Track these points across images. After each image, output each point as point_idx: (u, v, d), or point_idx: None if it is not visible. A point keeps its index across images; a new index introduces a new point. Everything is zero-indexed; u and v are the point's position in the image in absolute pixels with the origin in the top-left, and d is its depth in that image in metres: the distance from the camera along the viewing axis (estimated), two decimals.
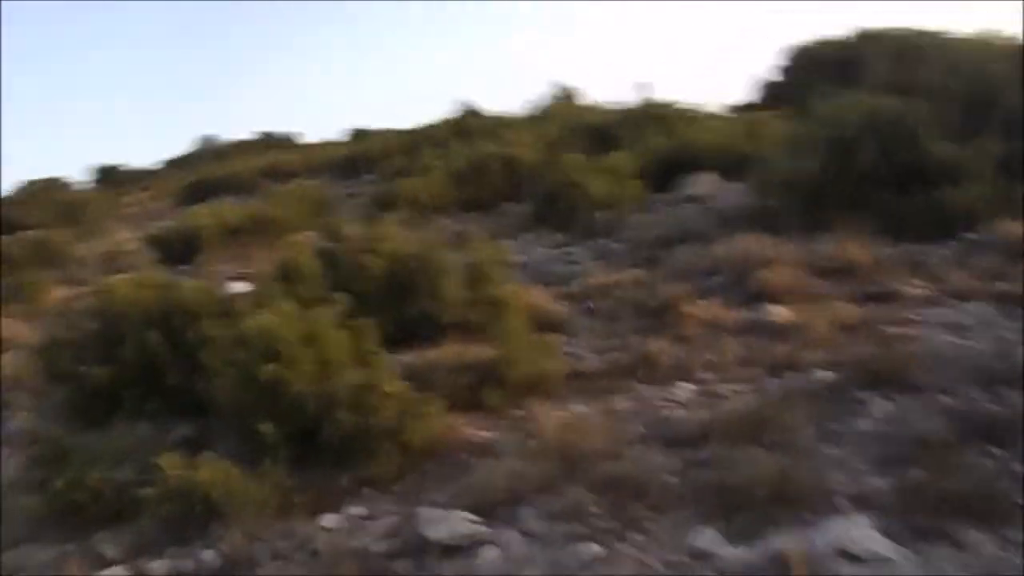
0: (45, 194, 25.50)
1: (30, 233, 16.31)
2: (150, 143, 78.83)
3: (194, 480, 3.38)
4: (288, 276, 5.31)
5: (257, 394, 3.70)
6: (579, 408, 4.15)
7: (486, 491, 3.30)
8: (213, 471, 3.41)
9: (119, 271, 11.53)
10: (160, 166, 37.44)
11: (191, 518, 3.40)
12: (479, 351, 4.61)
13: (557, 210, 9.45)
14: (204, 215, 12.03)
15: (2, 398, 5.98)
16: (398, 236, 5.88)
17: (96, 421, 4.50)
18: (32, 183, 30.91)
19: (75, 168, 50.68)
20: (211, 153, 38.78)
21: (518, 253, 8.13)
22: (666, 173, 10.36)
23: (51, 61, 71.89)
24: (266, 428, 3.58)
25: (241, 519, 3.33)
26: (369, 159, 20.15)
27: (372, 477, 3.65)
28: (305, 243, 7.30)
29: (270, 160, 27.88)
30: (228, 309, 4.76)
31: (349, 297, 4.31)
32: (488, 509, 3.21)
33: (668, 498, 3.09)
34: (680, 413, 3.93)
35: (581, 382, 4.51)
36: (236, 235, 10.72)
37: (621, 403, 4.17)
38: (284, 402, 3.70)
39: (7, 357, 7.33)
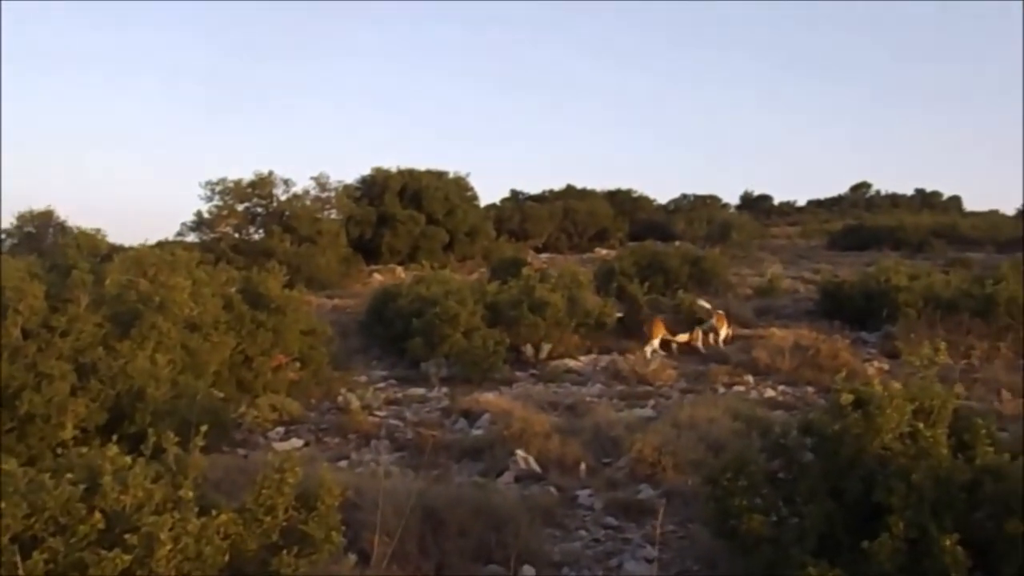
0: (698, 209, 25.87)
1: (682, 245, 15.70)
2: (793, 179, 78.76)
3: None
4: None
5: None
6: None
7: None
8: None
9: (776, 316, 9.45)
10: (805, 204, 36.08)
11: None
12: None
13: None
14: (897, 272, 9.09)
15: None
16: None
17: None
18: (686, 197, 32.48)
19: (724, 190, 51.89)
20: (862, 201, 36.13)
21: None
22: None
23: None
24: None
25: None
26: None
27: None
28: None
29: (939, 220, 23.76)
30: None
31: None
32: None
33: None
34: None
35: None
36: (950, 310, 7.50)
37: None
38: None
39: None
